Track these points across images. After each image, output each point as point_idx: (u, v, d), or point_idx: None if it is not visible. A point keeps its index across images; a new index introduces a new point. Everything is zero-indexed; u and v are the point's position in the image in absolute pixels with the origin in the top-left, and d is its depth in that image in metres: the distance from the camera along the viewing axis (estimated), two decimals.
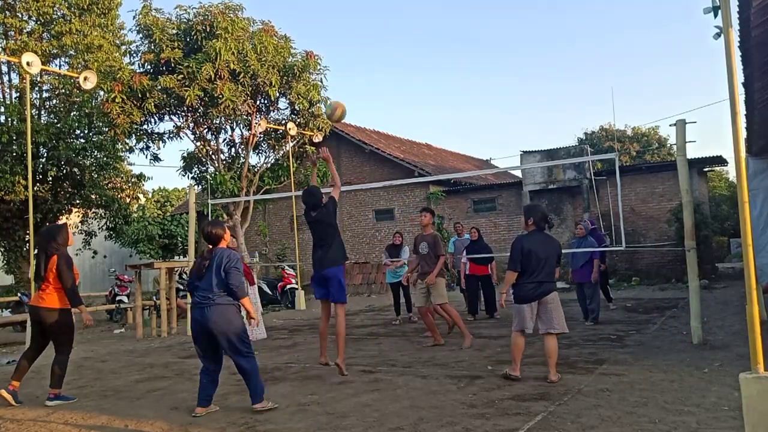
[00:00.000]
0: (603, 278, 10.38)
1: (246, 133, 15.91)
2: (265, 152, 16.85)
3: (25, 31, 14.66)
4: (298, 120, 16.00)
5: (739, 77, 6.57)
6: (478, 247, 10.74)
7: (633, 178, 17.52)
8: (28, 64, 10.20)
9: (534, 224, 5.81)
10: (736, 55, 4.61)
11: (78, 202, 15.57)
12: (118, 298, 15.17)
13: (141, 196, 20.46)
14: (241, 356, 4.95)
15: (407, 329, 10.13)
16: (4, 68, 15.20)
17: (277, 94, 15.23)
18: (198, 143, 15.79)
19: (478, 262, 10.68)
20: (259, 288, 15.06)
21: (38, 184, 14.53)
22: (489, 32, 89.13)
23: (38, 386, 6.69)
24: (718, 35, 4.14)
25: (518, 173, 23.07)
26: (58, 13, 15.08)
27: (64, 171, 15.16)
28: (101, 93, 14.82)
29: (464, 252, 10.98)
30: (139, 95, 13.92)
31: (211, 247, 5.10)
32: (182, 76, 13.76)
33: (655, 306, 11.35)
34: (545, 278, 5.65)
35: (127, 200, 17.28)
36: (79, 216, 16.71)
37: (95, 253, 18.06)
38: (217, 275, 4.89)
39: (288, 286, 15.95)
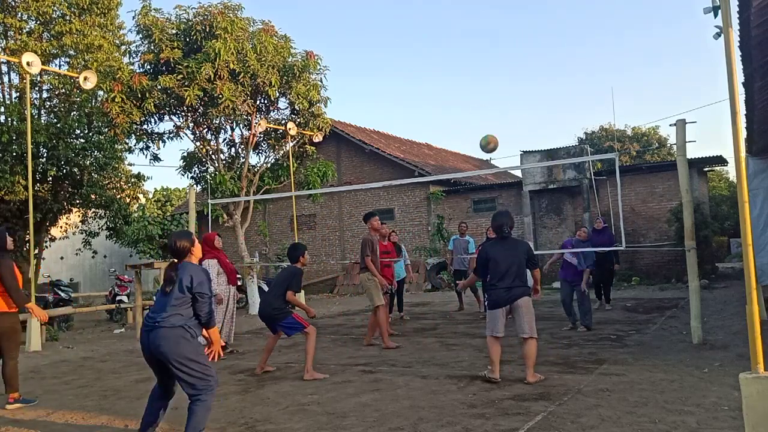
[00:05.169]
0: (609, 278, 11.43)
1: (246, 133, 15.90)
2: (265, 152, 16.84)
3: (25, 31, 14.64)
4: (298, 120, 15.98)
5: (739, 77, 6.58)
6: None
7: (633, 178, 17.53)
8: (28, 64, 10.20)
9: (493, 232, 5.98)
10: (736, 55, 4.61)
11: (78, 202, 15.54)
12: (118, 298, 15.18)
13: (141, 196, 20.44)
14: (195, 393, 4.07)
15: (407, 329, 10.15)
16: (4, 68, 15.17)
17: (277, 94, 15.21)
18: (198, 143, 15.78)
19: None
20: (260, 288, 15.08)
21: (38, 184, 14.51)
22: (489, 32, 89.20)
23: (38, 386, 6.70)
24: (718, 35, 4.14)
25: (518, 173, 23.09)
26: (58, 13, 15.05)
27: (64, 171, 15.13)
28: (101, 93, 14.80)
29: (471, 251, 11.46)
30: (139, 95, 13.91)
31: (176, 261, 4.31)
32: (182, 76, 13.75)
33: (655, 306, 11.36)
34: (514, 283, 5.63)
35: (127, 200, 17.25)
36: (79, 216, 16.69)
37: (95, 253, 18.04)
38: (177, 294, 4.12)
39: None
